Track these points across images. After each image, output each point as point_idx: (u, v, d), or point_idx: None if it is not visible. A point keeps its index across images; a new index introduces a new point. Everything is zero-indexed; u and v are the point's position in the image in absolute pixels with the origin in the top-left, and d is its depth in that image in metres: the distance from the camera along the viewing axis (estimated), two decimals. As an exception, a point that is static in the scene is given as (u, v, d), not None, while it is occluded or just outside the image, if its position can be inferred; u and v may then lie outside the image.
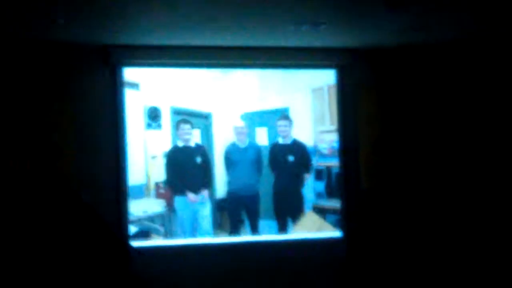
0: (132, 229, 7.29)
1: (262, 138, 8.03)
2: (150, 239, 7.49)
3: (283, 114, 7.92)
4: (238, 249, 7.35)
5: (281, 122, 7.94)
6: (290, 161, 7.90)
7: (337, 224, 7.76)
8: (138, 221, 7.51)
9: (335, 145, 7.69)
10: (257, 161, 7.93)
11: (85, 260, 6.39)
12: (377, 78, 7.60)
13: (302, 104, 7.94)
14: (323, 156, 8.01)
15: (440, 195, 7.49)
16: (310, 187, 8.00)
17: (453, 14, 5.97)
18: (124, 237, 6.90)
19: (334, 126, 7.72)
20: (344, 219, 7.60)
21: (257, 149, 7.97)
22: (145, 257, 6.87)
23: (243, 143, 7.91)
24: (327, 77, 7.77)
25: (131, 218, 7.21)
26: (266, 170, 7.94)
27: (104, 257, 6.41)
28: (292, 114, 7.90)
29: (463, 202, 7.43)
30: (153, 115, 7.56)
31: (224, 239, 7.58)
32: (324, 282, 7.41)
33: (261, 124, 7.98)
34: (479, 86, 7.47)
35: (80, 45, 6.84)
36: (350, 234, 7.52)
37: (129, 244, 6.88)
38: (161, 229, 7.68)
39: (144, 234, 7.50)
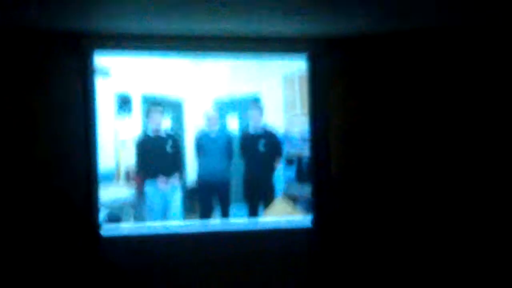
0: (102, 214, 7.28)
1: (233, 124, 8.05)
2: (120, 224, 7.50)
3: (254, 103, 7.95)
4: (207, 235, 7.37)
5: (252, 109, 7.97)
6: (260, 149, 7.93)
7: (307, 210, 7.80)
8: (109, 206, 7.50)
9: (306, 131, 7.70)
10: (228, 148, 7.95)
11: (53, 244, 6.41)
12: (349, 66, 7.60)
13: (273, 90, 7.98)
14: (294, 142, 8.06)
15: (412, 184, 7.56)
16: (281, 174, 8.04)
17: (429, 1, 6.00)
18: (95, 223, 6.88)
19: (305, 112, 7.73)
20: (314, 205, 7.62)
21: (228, 136, 7.99)
22: (114, 243, 6.87)
23: (213, 130, 7.93)
24: (298, 64, 7.75)
25: (101, 203, 7.18)
26: (237, 157, 7.97)
27: (73, 243, 6.43)
28: (263, 100, 7.93)
29: (436, 190, 7.50)
30: (123, 102, 7.56)
31: (194, 226, 7.59)
32: (294, 269, 7.46)
33: (232, 111, 8.01)
34: (456, 76, 7.53)
35: (51, 32, 6.81)
36: (320, 220, 7.56)
37: (99, 230, 6.87)
38: (132, 213, 7.70)
39: (114, 219, 7.50)
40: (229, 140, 7.93)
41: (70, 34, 6.89)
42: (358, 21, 6.72)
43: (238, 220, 7.64)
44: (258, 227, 7.58)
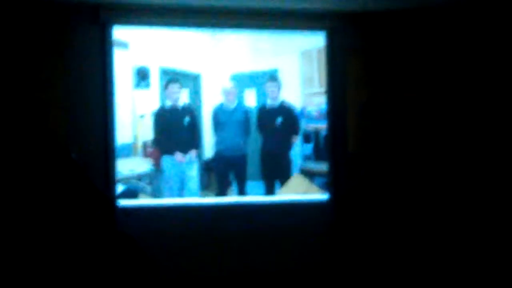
0: (120, 188, 7.29)
1: (251, 99, 8.03)
2: (137, 198, 7.51)
3: (272, 76, 7.93)
4: (224, 210, 7.37)
5: (270, 84, 7.94)
6: (277, 124, 7.90)
7: (324, 187, 7.78)
8: (126, 180, 7.52)
9: (324, 107, 7.67)
10: (245, 123, 7.94)
11: (71, 216, 6.43)
12: (367, 42, 7.56)
13: (291, 66, 7.95)
14: (311, 118, 8.02)
15: (429, 161, 7.53)
16: (298, 149, 8.02)
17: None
18: (111, 195, 6.91)
19: (323, 88, 7.69)
20: (331, 182, 7.61)
21: (245, 111, 7.98)
22: (131, 216, 6.89)
23: (231, 104, 7.92)
24: (316, 41, 7.71)
25: (118, 177, 7.20)
26: (254, 132, 7.95)
27: (90, 215, 6.45)
28: (281, 76, 7.90)
29: (452, 169, 7.47)
30: (142, 75, 7.55)
31: (210, 199, 7.60)
32: (311, 244, 7.46)
33: (250, 86, 7.98)
34: (473, 52, 7.48)
35: (70, 3, 6.80)
36: (337, 196, 7.55)
37: (116, 202, 6.89)
38: (149, 188, 7.71)
39: (131, 193, 7.52)
40: (246, 115, 7.92)
41: (89, 5, 6.91)
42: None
43: (254, 198, 7.66)
44: (275, 201, 7.58)
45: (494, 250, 7.19)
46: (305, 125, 7.96)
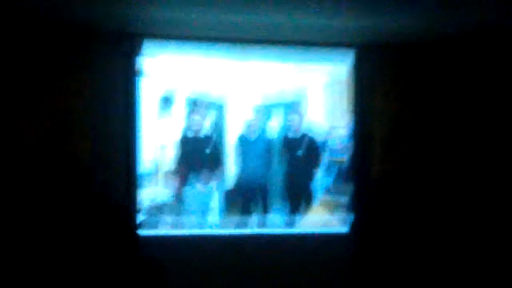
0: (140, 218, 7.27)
1: (273, 127, 8.04)
2: (157, 229, 7.48)
3: (294, 107, 7.95)
4: (244, 242, 7.32)
5: (292, 116, 7.96)
6: (299, 155, 7.89)
7: (345, 219, 7.73)
8: (147, 210, 7.48)
9: (346, 140, 7.66)
10: (267, 154, 7.93)
11: (91, 244, 6.40)
12: (394, 71, 7.57)
13: (318, 94, 7.96)
14: (334, 151, 8.02)
15: (454, 189, 7.49)
16: (319, 180, 8.00)
17: None
18: (133, 223, 6.86)
19: (345, 122, 7.70)
20: (353, 209, 7.54)
21: (267, 142, 7.98)
22: (152, 245, 6.85)
23: (253, 135, 7.91)
24: (341, 74, 7.75)
25: (138, 206, 7.17)
26: (277, 161, 7.94)
27: (112, 242, 6.42)
28: (305, 103, 7.92)
29: (483, 196, 7.44)
30: (165, 103, 7.56)
31: (230, 231, 7.55)
32: (331, 277, 7.40)
33: (273, 115, 8.00)
34: (503, 83, 7.53)
35: (97, 31, 6.85)
36: (360, 224, 7.49)
37: (137, 231, 6.85)
38: (169, 219, 7.67)
39: (151, 224, 7.48)
40: (268, 145, 7.91)
41: (115, 34, 6.94)
42: (411, 18, 6.69)
43: (275, 228, 7.62)
44: (296, 231, 7.53)
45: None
46: (328, 157, 7.92)
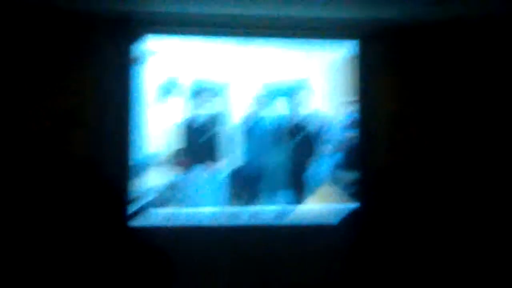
0: (149, 199, 7.28)
1: (280, 110, 7.98)
2: (166, 207, 7.47)
3: (300, 89, 7.88)
4: (240, 233, 7.32)
5: (298, 98, 7.91)
6: (306, 136, 7.86)
7: (354, 196, 7.72)
8: (154, 192, 7.48)
9: (354, 116, 7.60)
10: (274, 134, 7.89)
11: (85, 233, 6.46)
12: (399, 54, 7.50)
13: (322, 77, 7.89)
14: (340, 130, 7.96)
15: (460, 177, 7.47)
16: (327, 160, 7.96)
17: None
18: (125, 213, 6.89)
19: (353, 98, 7.63)
20: (361, 193, 7.55)
21: (275, 122, 7.93)
22: (143, 234, 6.88)
23: (261, 115, 7.87)
24: (345, 53, 7.66)
25: (146, 189, 7.18)
26: (284, 143, 7.90)
27: (104, 232, 6.48)
28: (310, 87, 7.85)
29: (488, 185, 7.41)
30: (169, 86, 7.51)
31: (225, 218, 7.51)
32: (340, 254, 7.42)
33: (280, 96, 7.93)
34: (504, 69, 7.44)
35: (100, 13, 6.78)
36: (367, 207, 7.49)
37: (128, 220, 6.88)
38: (176, 199, 7.68)
39: (158, 205, 7.49)
40: (276, 125, 7.86)
41: (119, 16, 6.87)
42: (413, 7, 6.61)
43: (282, 206, 7.59)
44: (293, 222, 7.51)
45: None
46: (335, 136, 7.88)
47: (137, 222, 6.98)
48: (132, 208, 6.97)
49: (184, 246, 7.05)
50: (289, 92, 7.79)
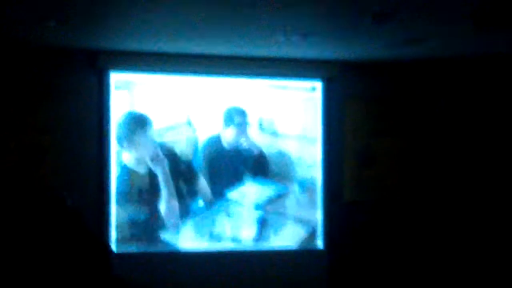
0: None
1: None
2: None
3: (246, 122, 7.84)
4: (218, 256, 7.35)
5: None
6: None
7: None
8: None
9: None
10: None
11: (64, 263, 6.38)
12: (365, 90, 7.63)
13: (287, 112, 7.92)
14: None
15: (427, 208, 7.53)
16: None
17: (451, 30, 6.00)
18: (107, 241, 6.89)
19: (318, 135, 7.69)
20: (325, 232, 7.61)
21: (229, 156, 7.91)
22: (125, 260, 6.86)
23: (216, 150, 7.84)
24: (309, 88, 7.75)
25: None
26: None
27: (85, 261, 6.40)
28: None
29: (454, 216, 7.48)
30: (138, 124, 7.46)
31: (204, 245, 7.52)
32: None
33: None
34: (472, 105, 7.55)
35: (68, 49, 6.85)
36: (332, 247, 7.54)
37: (111, 248, 6.85)
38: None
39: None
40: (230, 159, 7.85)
41: (87, 52, 6.93)
42: (375, 47, 6.72)
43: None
44: (269, 249, 7.54)
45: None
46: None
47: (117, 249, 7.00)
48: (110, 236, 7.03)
49: (163, 271, 7.07)
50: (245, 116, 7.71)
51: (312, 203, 7.74)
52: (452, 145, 7.54)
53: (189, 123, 7.56)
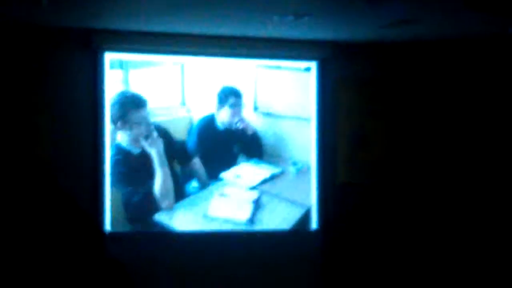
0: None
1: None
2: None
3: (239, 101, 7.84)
4: (212, 236, 7.36)
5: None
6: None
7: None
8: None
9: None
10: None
11: (58, 242, 6.38)
12: (359, 71, 7.63)
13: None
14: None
15: (420, 191, 7.55)
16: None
17: (443, 11, 6.00)
18: (100, 221, 6.90)
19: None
20: (319, 213, 7.62)
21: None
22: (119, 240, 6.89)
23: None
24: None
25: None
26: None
27: (78, 241, 6.41)
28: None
29: (446, 198, 7.49)
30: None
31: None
32: (298, 275, 7.45)
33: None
34: (465, 87, 7.55)
35: (62, 29, 6.82)
36: (326, 228, 7.55)
37: (104, 228, 6.87)
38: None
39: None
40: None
41: (81, 31, 6.91)
42: (369, 27, 6.72)
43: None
44: (263, 230, 7.55)
45: None
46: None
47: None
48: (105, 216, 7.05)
49: (154, 252, 7.10)
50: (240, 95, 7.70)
51: (306, 184, 7.74)
52: (445, 127, 7.54)
53: (184, 103, 7.56)
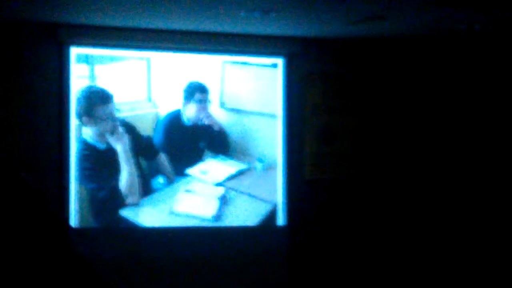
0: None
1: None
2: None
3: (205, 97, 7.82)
4: (180, 232, 7.34)
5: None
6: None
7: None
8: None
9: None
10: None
11: (22, 240, 6.32)
12: (326, 67, 7.65)
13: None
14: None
15: (387, 186, 7.59)
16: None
17: (411, 7, 6.04)
18: (65, 216, 6.85)
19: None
20: (286, 209, 7.63)
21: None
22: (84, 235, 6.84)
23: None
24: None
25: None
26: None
27: (42, 236, 6.34)
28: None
29: (414, 190, 7.54)
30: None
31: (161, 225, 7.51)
32: (264, 271, 7.45)
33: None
34: (431, 82, 7.61)
35: (28, 23, 6.77)
36: (293, 224, 7.56)
37: (69, 223, 6.82)
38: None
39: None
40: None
41: (47, 25, 6.86)
42: (336, 24, 6.74)
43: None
44: (228, 226, 7.55)
45: None
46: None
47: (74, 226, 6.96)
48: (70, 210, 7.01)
49: (120, 248, 7.06)
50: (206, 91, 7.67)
51: (273, 180, 7.75)
52: (411, 121, 7.59)
53: (150, 99, 7.53)
